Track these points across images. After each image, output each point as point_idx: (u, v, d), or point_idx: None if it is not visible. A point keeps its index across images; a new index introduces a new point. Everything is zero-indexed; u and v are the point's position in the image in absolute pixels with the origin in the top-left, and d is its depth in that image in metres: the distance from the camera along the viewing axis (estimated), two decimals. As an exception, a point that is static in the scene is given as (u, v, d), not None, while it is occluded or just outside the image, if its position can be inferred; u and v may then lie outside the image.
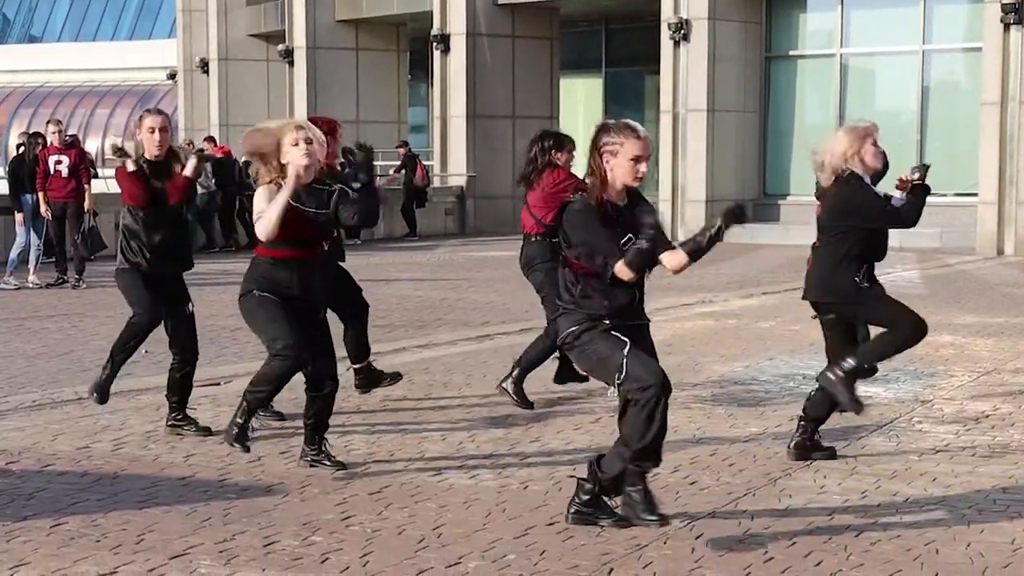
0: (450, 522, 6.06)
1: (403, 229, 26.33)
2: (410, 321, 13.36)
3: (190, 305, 8.06)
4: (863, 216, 7.03)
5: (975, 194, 21.88)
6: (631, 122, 5.81)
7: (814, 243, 7.26)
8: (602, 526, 5.92)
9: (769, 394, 9.22)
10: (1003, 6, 21.09)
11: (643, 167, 5.70)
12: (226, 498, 6.45)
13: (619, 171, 5.68)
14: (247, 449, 6.80)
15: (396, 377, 8.98)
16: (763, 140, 25.83)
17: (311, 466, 6.97)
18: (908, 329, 7.08)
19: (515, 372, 8.76)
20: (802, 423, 7.27)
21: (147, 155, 8.06)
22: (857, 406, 7.11)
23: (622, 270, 5.58)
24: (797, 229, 20.13)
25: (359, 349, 8.87)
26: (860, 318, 7.37)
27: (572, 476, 6.26)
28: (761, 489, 6.66)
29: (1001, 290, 16.07)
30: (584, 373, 8.26)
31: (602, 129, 5.77)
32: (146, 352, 8.18)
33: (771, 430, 8.06)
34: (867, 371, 7.36)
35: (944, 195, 21.41)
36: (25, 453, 7.39)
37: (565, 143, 9.05)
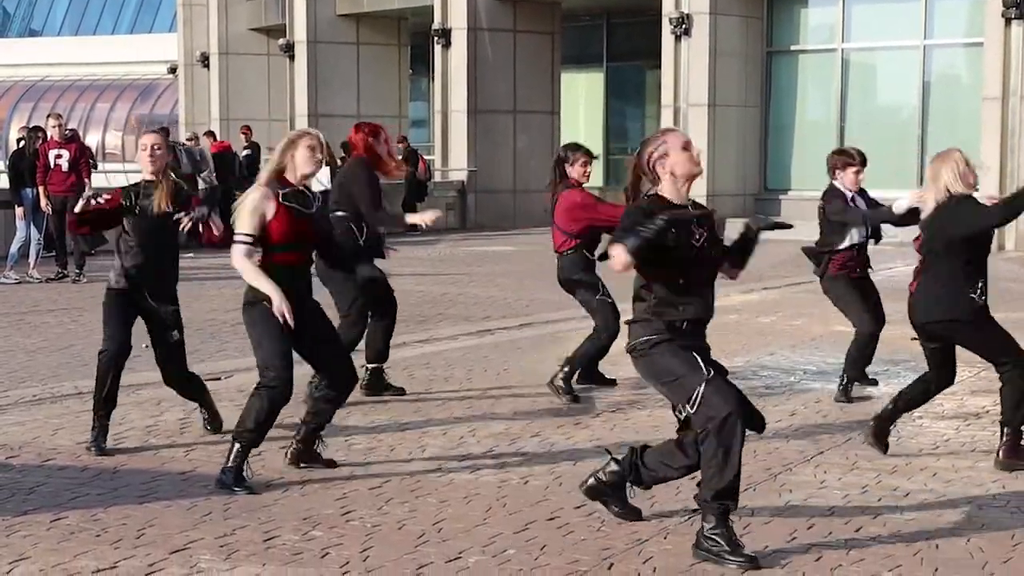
0: (450, 517, 6.06)
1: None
2: (411, 316, 13.36)
3: (174, 333, 7.51)
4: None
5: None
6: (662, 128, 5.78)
7: None
8: (613, 509, 5.90)
9: (770, 389, 9.22)
10: (1004, 0, 21.06)
11: (695, 151, 5.58)
12: (226, 493, 6.45)
13: (678, 167, 5.56)
14: (251, 491, 6.40)
15: (400, 392, 8.92)
16: (764, 135, 25.82)
17: (301, 467, 6.89)
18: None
19: (566, 369, 8.78)
20: (1004, 429, 7.09)
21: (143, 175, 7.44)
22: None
23: (613, 248, 5.29)
24: (798, 224, 20.08)
25: (380, 352, 8.88)
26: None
27: (606, 450, 6.16)
28: (762, 484, 6.66)
29: (1001, 285, 16.05)
30: (611, 380, 8.33)
31: (641, 147, 5.63)
32: (145, 347, 8.18)
33: (771, 425, 8.03)
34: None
35: (945, 190, 21.35)
36: (25, 448, 7.40)
37: (571, 156, 8.87)
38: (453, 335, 11.95)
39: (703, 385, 5.39)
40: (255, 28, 35.21)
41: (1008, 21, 21.21)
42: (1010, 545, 5.68)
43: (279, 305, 6.36)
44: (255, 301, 6.50)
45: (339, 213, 8.52)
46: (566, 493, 6.45)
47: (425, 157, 27.11)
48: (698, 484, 5.52)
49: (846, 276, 8.76)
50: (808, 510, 6.19)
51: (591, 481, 5.95)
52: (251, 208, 6.51)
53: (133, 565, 5.35)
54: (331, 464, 6.93)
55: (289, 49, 32.01)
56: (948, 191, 6.94)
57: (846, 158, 8.71)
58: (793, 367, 10.17)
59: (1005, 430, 7.01)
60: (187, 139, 25.94)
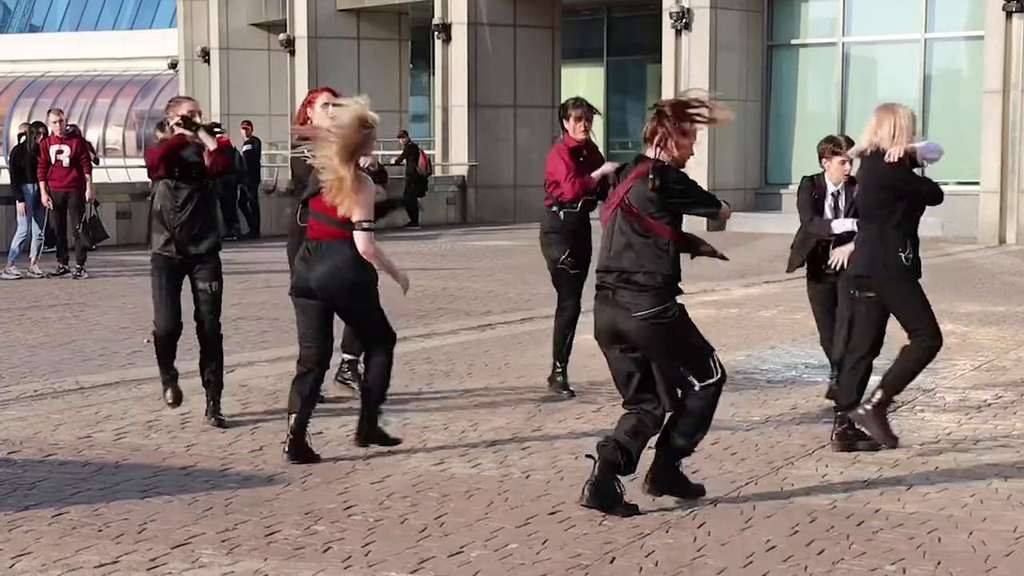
0: (452, 511, 6.05)
1: (405, 218, 26.32)
2: (412, 310, 13.35)
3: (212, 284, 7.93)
4: None
5: (977, 183, 21.85)
6: None
7: None
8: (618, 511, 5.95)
9: (771, 383, 9.22)
10: (1005, -6, 21.07)
11: None
12: (228, 487, 6.45)
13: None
14: (317, 458, 6.94)
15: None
16: (765, 129, 25.80)
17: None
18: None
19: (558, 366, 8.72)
20: (838, 414, 7.26)
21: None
22: (891, 441, 7.08)
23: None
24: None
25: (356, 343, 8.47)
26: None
27: (587, 455, 6.19)
28: (763, 478, 6.66)
29: (1003, 279, 16.06)
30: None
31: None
32: (147, 342, 8.18)
33: (773, 419, 8.06)
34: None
35: (946, 183, 21.30)
36: (27, 443, 7.39)
37: (568, 111, 8.66)
38: (454, 329, 11.95)
39: (715, 354, 5.99)
40: (256, 23, 35.18)
41: (1009, 15, 21.20)
42: (1012, 538, 5.67)
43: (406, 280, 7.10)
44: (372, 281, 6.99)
45: None
46: (568, 487, 6.45)
47: (425, 152, 27.09)
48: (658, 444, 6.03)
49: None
50: (810, 504, 6.19)
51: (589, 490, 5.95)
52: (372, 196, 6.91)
53: (135, 560, 5.35)
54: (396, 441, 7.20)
55: (290, 44, 31.99)
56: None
57: (833, 146, 8.51)
58: (794, 361, 10.17)
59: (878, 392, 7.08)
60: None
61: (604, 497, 5.91)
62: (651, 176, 5.88)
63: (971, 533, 5.73)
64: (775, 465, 6.90)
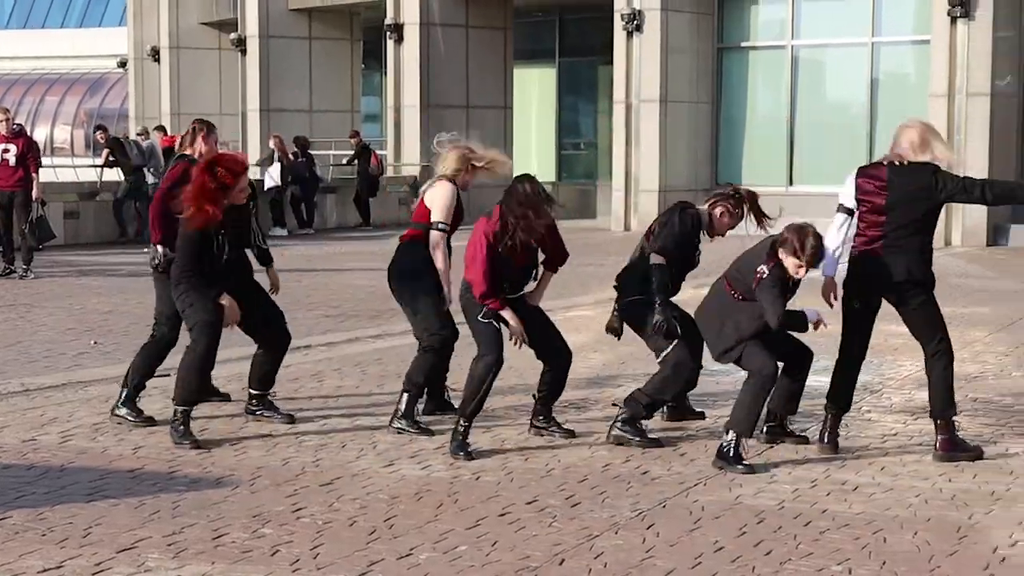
0: (402, 513, 6.05)
1: (356, 219, 26.25)
2: (363, 311, 13.33)
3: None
4: None
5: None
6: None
7: None
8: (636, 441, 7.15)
9: (720, 384, 9.25)
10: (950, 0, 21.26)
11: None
12: (175, 490, 6.41)
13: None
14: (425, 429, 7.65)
15: (289, 418, 8.01)
16: (715, 130, 25.90)
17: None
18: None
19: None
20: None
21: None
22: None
23: None
24: (749, 218, 20.19)
25: (265, 378, 8.06)
26: None
27: (613, 403, 7.48)
28: (712, 479, 6.69)
29: (948, 281, 16.19)
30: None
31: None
32: (94, 343, 8.12)
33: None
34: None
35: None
36: (-28, 445, 7.31)
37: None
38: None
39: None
40: (206, 22, 34.98)
41: (954, 20, 21.39)
42: (956, 538, 5.73)
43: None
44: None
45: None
46: (518, 488, 6.46)
47: (377, 152, 27.02)
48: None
49: None
50: (758, 505, 6.22)
51: (615, 432, 7.31)
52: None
53: (79, 564, 5.30)
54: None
55: (240, 43, 31.83)
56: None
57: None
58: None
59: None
60: (137, 133, 25.77)
61: None
62: None
63: (916, 533, 5.79)
64: (733, 471, 6.92)
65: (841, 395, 7.26)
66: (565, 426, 7.70)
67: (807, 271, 6.96)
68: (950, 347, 7.22)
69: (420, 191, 7.96)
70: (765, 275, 6.93)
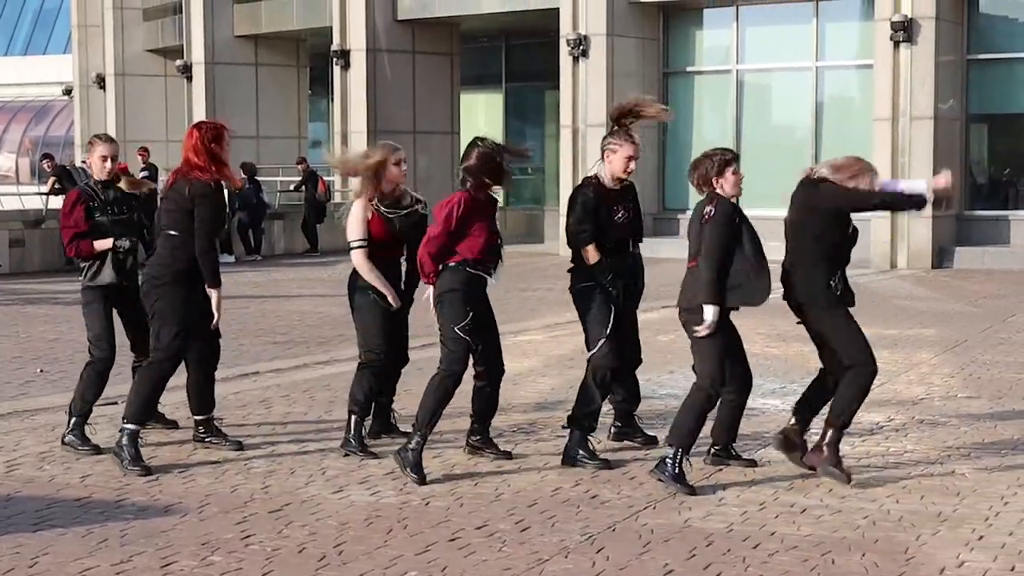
0: (351, 539, 6.03)
1: (304, 245, 26.18)
2: (311, 337, 13.29)
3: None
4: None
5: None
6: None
7: None
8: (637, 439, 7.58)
9: (670, 408, 9.28)
10: (892, 24, 21.50)
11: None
12: (123, 519, 6.37)
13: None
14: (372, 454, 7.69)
15: (237, 445, 7.97)
16: (662, 155, 26.05)
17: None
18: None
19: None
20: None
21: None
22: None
23: None
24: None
25: (203, 400, 8.06)
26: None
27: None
28: (661, 502, 6.72)
29: (895, 303, 16.35)
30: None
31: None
32: (40, 371, 8.05)
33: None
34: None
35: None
36: (-85, 476, 7.23)
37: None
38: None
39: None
40: (152, 49, 34.84)
41: (896, 44, 21.65)
42: (903, 559, 5.78)
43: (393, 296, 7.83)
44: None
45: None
46: (467, 513, 6.46)
47: (325, 178, 26.98)
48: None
49: None
50: (707, 528, 6.25)
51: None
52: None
53: (27, 595, 5.25)
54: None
55: (187, 70, 31.73)
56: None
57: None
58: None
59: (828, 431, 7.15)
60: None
61: None
62: None
63: (864, 555, 5.83)
64: (673, 489, 6.95)
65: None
66: (511, 450, 7.73)
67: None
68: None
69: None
70: (712, 213, 7.05)
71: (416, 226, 7.86)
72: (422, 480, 7.08)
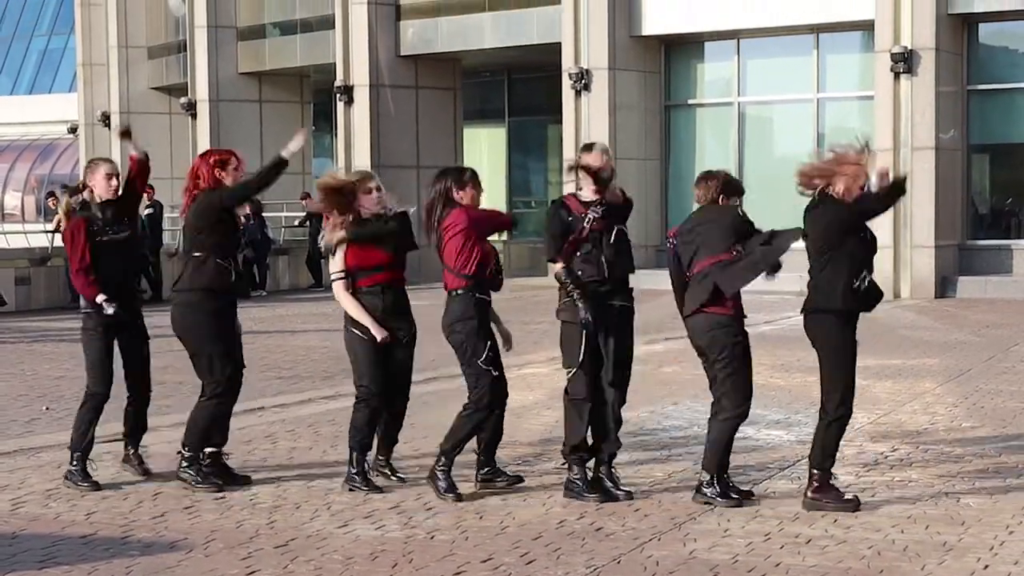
0: (357, 574, 6.04)
1: (309, 280, 26.23)
2: (316, 372, 13.32)
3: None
4: None
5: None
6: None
7: None
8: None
9: (674, 439, 9.30)
10: (892, 55, 21.59)
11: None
12: (129, 555, 6.38)
13: None
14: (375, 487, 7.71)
15: (246, 480, 8.00)
16: (665, 187, 26.12)
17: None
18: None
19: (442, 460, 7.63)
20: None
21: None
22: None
23: None
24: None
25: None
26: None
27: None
28: (667, 534, 6.72)
29: (898, 333, 16.36)
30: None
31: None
32: (46, 409, 8.08)
33: (676, 475, 8.13)
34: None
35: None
36: (-79, 514, 7.24)
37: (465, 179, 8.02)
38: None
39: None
40: (156, 87, 34.98)
41: (897, 76, 21.74)
42: (908, 588, 5.78)
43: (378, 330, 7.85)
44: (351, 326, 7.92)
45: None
46: (472, 547, 6.47)
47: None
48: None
49: None
50: (712, 559, 6.25)
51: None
52: None
53: (33, 632, 5.26)
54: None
55: (191, 108, 31.86)
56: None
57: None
58: (696, 417, 10.26)
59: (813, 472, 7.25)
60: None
61: None
62: None
63: (869, 584, 5.83)
64: (678, 521, 6.96)
65: None
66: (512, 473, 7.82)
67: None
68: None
69: None
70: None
71: (403, 229, 8.07)
72: (459, 497, 7.37)
